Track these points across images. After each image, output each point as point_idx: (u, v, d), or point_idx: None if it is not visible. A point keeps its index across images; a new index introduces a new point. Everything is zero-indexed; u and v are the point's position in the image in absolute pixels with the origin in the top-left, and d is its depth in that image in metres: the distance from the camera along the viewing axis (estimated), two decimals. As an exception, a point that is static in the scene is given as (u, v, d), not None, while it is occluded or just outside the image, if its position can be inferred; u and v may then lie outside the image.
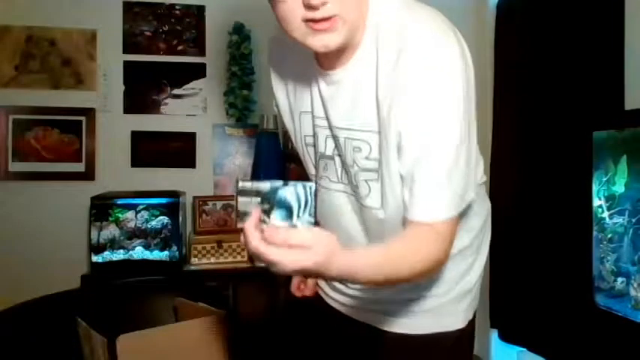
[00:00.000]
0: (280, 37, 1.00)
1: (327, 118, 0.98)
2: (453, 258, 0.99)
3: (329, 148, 1.01)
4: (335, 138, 0.98)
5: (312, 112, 1.01)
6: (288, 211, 0.75)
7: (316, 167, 1.06)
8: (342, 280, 0.86)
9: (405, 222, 0.91)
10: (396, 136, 0.88)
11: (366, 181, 0.96)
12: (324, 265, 0.73)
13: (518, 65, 2.30)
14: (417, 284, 1.03)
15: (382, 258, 0.83)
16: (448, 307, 1.09)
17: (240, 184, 0.76)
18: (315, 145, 1.04)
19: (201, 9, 2.64)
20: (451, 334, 1.09)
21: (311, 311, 1.19)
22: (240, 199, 0.76)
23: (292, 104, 1.06)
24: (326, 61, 0.93)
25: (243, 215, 0.75)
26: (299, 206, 0.75)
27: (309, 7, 0.78)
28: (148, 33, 2.61)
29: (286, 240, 0.71)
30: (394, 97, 0.87)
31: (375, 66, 0.90)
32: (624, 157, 1.54)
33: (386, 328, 1.10)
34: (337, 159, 1.00)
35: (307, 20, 0.81)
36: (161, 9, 2.62)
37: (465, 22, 2.76)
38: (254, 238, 0.72)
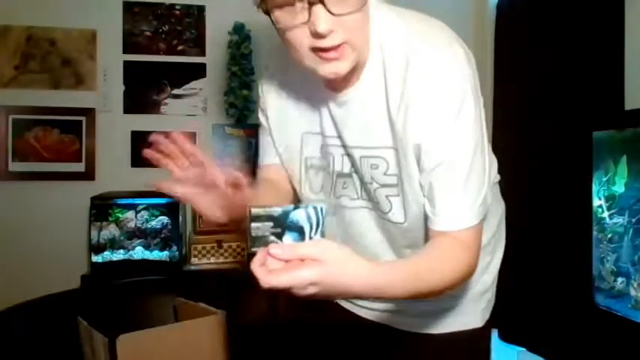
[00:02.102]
0: (282, 56, 0.99)
1: (340, 138, 0.97)
2: None
3: (346, 166, 1.00)
4: (350, 156, 0.98)
5: (323, 132, 1.00)
6: (300, 233, 0.76)
7: (333, 187, 1.04)
8: (370, 297, 0.83)
9: (428, 231, 0.91)
10: (414, 149, 0.88)
11: (386, 197, 0.96)
12: (341, 275, 0.71)
13: (518, 65, 2.30)
14: None
15: (411, 271, 0.81)
16: (466, 306, 1.10)
17: (253, 210, 0.76)
18: (329, 166, 1.02)
19: (201, 9, 2.64)
20: (469, 333, 1.10)
21: (323, 312, 1.17)
22: (253, 224, 0.76)
23: (291, 125, 1.04)
24: (334, 83, 0.92)
25: (255, 240, 0.76)
26: (310, 227, 0.76)
27: (317, 35, 0.78)
28: (148, 33, 2.61)
29: (292, 253, 0.71)
30: (407, 111, 0.87)
31: (383, 83, 0.90)
32: (624, 157, 1.54)
33: (404, 328, 1.11)
34: (355, 176, 1.00)
35: (315, 49, 0.81)
36: (161, 9, 2.62)
37: (465, 22, 2.78)
38: (263, 275, 0.70)
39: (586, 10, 1.90)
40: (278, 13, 0.80)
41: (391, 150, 0.92)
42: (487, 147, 0.96)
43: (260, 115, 1.11)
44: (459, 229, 0.87)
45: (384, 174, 0.94)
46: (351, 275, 0.72)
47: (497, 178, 1.14)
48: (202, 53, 2.64)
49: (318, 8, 0.76)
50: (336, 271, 0.71)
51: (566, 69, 1.99)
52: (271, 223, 0.76)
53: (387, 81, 0.89)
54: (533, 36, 2.20)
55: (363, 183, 0.99)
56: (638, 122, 1.53)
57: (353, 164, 0.99)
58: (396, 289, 0.79)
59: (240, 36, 2.56)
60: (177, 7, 2.63)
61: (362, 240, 1.05)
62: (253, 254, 0.74)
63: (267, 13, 0.80)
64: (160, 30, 2.62)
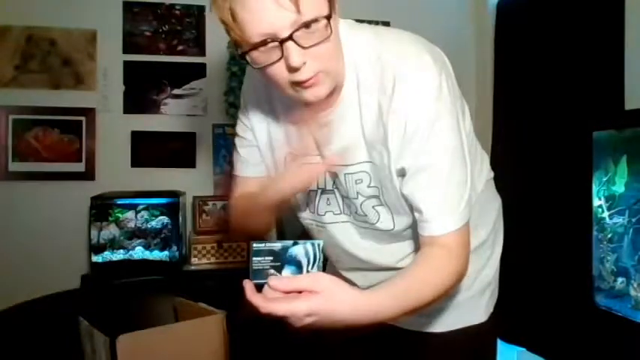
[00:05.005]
0: (262, 80, 1.03)
1: (322, 157, 1.01)
2: (471, 253, 1.03)
3: (328, 183, 1.05)
4: (332, 174, 1.02)
5: (306, 153, 1.03)
6: (298, 267, 0.82)
7: (316, 204, 1.09)
8: (365, 323, 0.87)
9: (418, 237, 0.95)
10: (394, 161, 0.93)
11: (373, 207, 1.00)
12: (336, 306, 0.77)
13: (518, 65, 2.30)
14: None
15: (402, 290, 0.85)
16: (469, 302, 1.12)
17: (254, 245, 0.83)
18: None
19: (201, 9, 2.64)
20: (474, 329, 1.13)
21: None
22: (254, 258, 0.83)
23: (276, 145, 1.08)
24: (314, 105, 0.96)
25: (256, 272, 0.83)
26: (308, 262, 0.82)
27: (292, 69, 0.84)
28: (148, 33, 2.61)
29: (289, 284, 0.77)
30: (387, 128, 0.91)
31: (357, 103, 0.94)
32: (624, 157, 1.54)
33: (408, 328, 1.13)
34: (337, 192, 1.05)
35: (293, 83, 0.87)
36: (161, 9, 2.62)
37: (465, 22, 2.79)
38: (261, 302, 0.76)
39: (586, 10, 1.90)
40: (254, 54, 0.85)
41: (369, 163, 0.97)
42: (475, 147, 1.01)
43: (243, 130, 1.13)
44: (445, 233, 0.91)
45: (368, 186, 0.99)
46: (344, 306, 0.78)
47: (491, 174, 1.17)
48: (202, 53, 2.64)
49: (290, 44, 0.82)
50: (331, 302, 0.76)
51: (566, 69, 1.99)
52: (271, 257, 0.83)
53: (361, 100, 0.94)
54: (533, 36, 2.20)
55: (344, 198, 1.04)
56: (638, 122, 1.53)
57: (334, 181, 1.03)
58: (390, 311, 0.84)
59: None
60: (177, 7, 2.63)
61: (350, 249, 1.09)
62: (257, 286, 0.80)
63: (244, 55, 0.86)
64: (160, 30, 2.62)
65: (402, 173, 0.93)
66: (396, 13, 2.60)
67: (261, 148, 1.11)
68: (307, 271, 0.82)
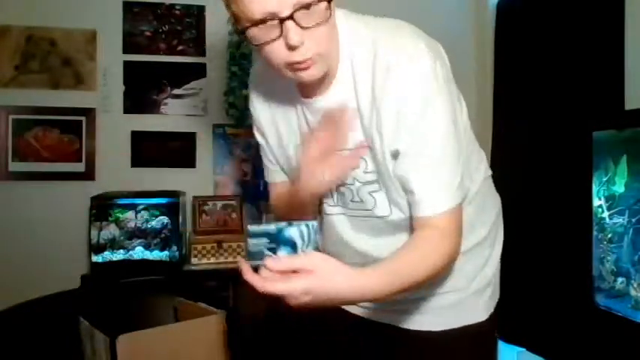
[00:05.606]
0: (262, 73, 1.07)
1: None
2: (470, 251, 1.07)
3: None
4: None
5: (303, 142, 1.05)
6: (293, 248, 0.85)
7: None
8: (360, 301, 0.89)
9: (412, 220, 0.97)
10: (387, 146, 0.94)
11: (369, 193, 1.02)
12: (330, 284, 0.79)
13: (518, 65, 2.30)
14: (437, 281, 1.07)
15: (394, 271, 0.87)
16: (469, 300, 1.13)
17: (250, 227, 0.86)
18: None
19: (201, 9, 2.64)
20: (475, 327, 1.13)
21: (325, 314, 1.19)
22: (250, 240, 0.85)
23: (283, 138, 1.10)
24: (308, 90, 0.99)
25: (253, 255, 0.84)
26: (303, 242, 0.85)
27: (290, 47, 0.86)
28: (148, 33, 2.61)
29: (285, 264, 0.79)
30: (380, 115, 0.93)
31: (353, 88, 0.96)
32: (624, 157, 1.54)
33: (408, 327, 1.13)
34: None
35: (290, 64, 0.89)
36: (161, 9, 2.62)
37: (465, 22, 2.79)
38: (258, 282, 0.78)
39: (586, 10, 1.90)
40: (252, 32, 0.87)
41: (366, 149, 0.98)
42: (473, 143, 1.05)
43: (257, 136, 1.17)
44: (437, 214, 0.93)
45: (364, 172, 1.00)
46: (339, 284, 0.80)
47: (489, 172, 1.18)
48: (202, 53, 2.64)
49: (289, 23, 0.84)
50: (326, 281, 0.79)
51: (566, 69, 1.99)
52: (267, 239, 0.85)
53: (357, 85, 0.96)
54: (533, 36, 2.20)
55: (339, 187, 1.05)
56: (638, 122, 1.53)
57: None
58: (382, 289, 0.86)
59: (240, 36, 2.55)
60: (177, 7, 2.63)
61: (348, 242, 1.10)
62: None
63: (243, 32, 0.88)
64: (160, 30, 2.62)
65: (395, 155, 0.95)
66: (396, 13, 2.59)
67: (274, 150, 1.14)
68: (302, 252, 0.84)
